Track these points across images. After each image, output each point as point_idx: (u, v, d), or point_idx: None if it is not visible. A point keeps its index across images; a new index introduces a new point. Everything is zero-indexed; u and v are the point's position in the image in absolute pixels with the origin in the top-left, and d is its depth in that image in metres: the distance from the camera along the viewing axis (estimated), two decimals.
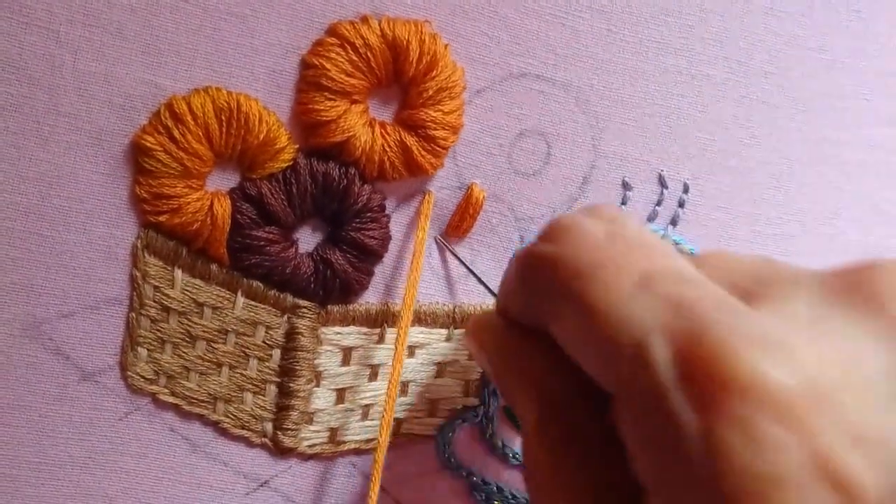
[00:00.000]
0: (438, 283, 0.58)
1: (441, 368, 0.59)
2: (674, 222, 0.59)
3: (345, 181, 0.54)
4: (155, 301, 0.55)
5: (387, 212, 0.56)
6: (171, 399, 0.56)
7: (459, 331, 0.59)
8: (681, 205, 0.59)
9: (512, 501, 0.61)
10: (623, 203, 0.59)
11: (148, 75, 0.52)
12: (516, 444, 0.61)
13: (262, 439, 0.58)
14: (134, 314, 0.55)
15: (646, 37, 0.56)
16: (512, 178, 0.57)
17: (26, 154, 0.52)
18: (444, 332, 0.59)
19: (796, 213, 0.61)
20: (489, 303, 0.59)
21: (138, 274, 0.54)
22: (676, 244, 0.59)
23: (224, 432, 0.57)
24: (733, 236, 0.60)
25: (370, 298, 0.58)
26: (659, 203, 0.59)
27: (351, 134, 0.53)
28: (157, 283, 0.55)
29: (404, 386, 0.59)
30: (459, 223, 0.57)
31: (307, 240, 0.56)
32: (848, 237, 0.62)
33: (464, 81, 0.55)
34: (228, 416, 0.57)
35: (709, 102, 0.58)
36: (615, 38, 0.56)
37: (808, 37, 0.58)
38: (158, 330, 0.55)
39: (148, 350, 0.56)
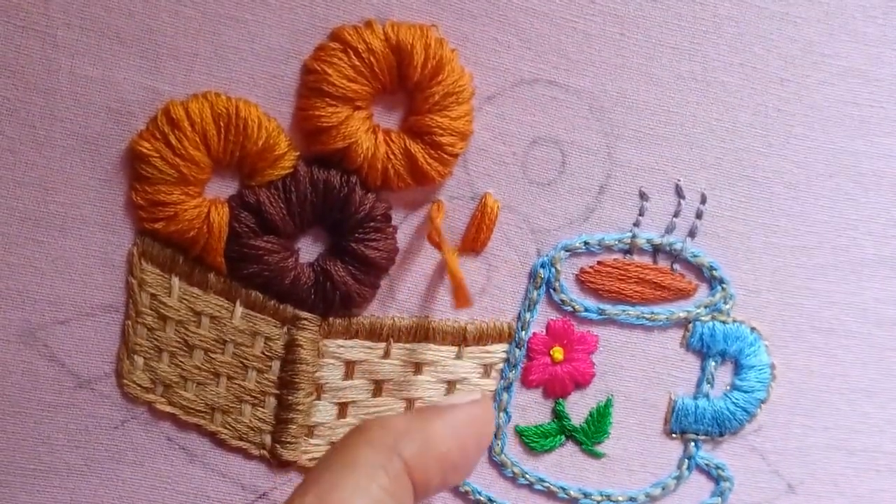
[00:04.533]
0: (449, 298, 0.57)
1: (450, 386, 0.58)
2: (692, 234, 0.58)
3: (346, 189, 0.53)
4: (151, 309, 0.54)
5: (393, 223, 0.55)
6: (167, 408, 0.56)
7: (470, 348, 0.58)
8: (698, 216, 0.58)
9: None
10: (640, 214, 0.57)
11: (146, 80, 0.51)
12: (526, 465, 0.60)
13: (261, 451, 0.57)
14: (130, 322, 0.54)
15: (659, 42, 0.55)
16: (526, 187, 0.56)
17: (22, 159, 0.51)
18: (454, 349, 0.57)
19: (812, 225, 0.59)
20: (500, 321, 0.58)
21: (134, 281, 0.53)
22: (695, 257, 0.58)
23: (222, 443, 0.57)
24: (750, 248, 0.59)
25: (376, 311, 0.56)
26: (676, 214, 0.57)
27: (352, 140, 0.51)
28: (153, 291, 0.54)
29: (410, 403, 0.58)
30: (476, 235, 0.55)
31: (310, 250, 0.55)
32: (864, 251, 0.60)
33: (472, 87, 0.53)
34: (226, 427, 0.56)
35: (724, 110, 0.56)
36: (628, 42, 0.54)
37: (823, 43, 0.56)
38: (155, 338, 0.55)
39: (144, 358, 0.55)
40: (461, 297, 0.52)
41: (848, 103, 0.57)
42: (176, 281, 0.54)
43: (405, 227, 0.55)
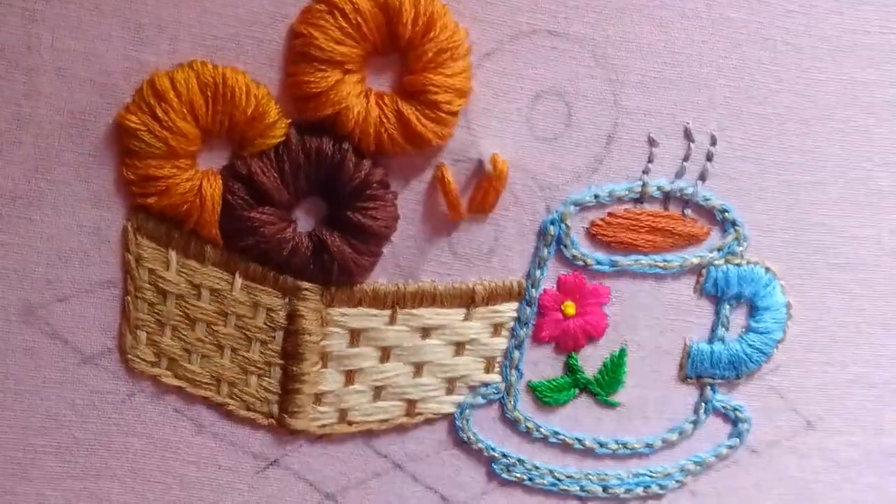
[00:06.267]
0: (457, 262, 0.56)
1: (459, 348, 0.57)
2: (702, 177, 0.56)
3: (338, 156, 0.51)
4: (151, 284, 0.53)
5: (393, 189, 0.53)
6: (173, 381, 0.55)
7: (479, 309, 0.57)
8: (709, 158, 0.56)
9: (534, 472, 0.60)
10: (650, 160, 0.56)
11: (130, 51, 0.49)
12: (539, 419, 0.60)
13: (269, 421, 0.56)
14: (130, 298, 0.53)
15: None
16: (532, 143, 0.54)
17: (8, 138, 0.50)
18: (462, 311, 0.56)
19: (826, 158, 0.57)
20: (510, 280, 0.57)
21: (131, 257, 0.53)
22: (707, 200, 0.57)
23: (230, 414, 0.56)
24: (763, 188, 0.57)
25: (380, 278, 0.55)
26: (686, 158, 0.56)
27: (343, 105, 0.50)
28: (151, 266, 0.53)
29: (419, 367, 0.57)
30: (485, 198, 0.54)
31: (310, 219, 0.54)
32: (879, 182, 0.59)
33: (468, 42, 0.51)
34: (233, 398, 0.56)
35: (731, 47, 0.54)
36: None
37: None
38: (156, 313, 0.54)
39: (147, 333, 0.54)
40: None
41: (858, 32, 0.56)
42: (173, 255, 0.53)
43: (408, 192, 0.54)
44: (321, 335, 0.55)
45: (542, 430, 0.60)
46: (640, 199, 0.56)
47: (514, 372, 0.58)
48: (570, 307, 0.57)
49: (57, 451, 0.56)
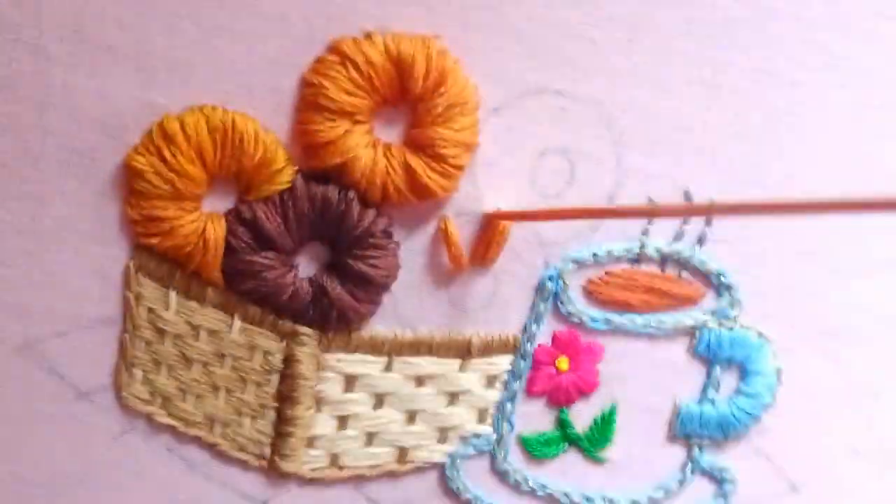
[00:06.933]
0: (455, 313, 0.56)
1: (453, 397, 0.58)
2: (700, 241, 0.57)
3: (343, 205, 0.51)
4: (149, 323, 0.53)
5: (397, 238, 0.54)
6: (167, 420, 0.55)
7: (475, 360, 0.57)
8: (708, 223, 0.57)
9: None
10: (649, 222, 0.56)
11: (141, 93, 0.49)
12: (529, 471, 0.60)
13: (261, 462, 0.56)
14: (128, 336, 0.53)
15: (668, 47, 0.53)
16: (535, 200, 0.55)
17: (16, 173, 0.50)
18: (457, 361, 0.57)
19: (821, 228, 0.58)
20: (506, 333, 0.57)
21: (131, 296, 0.53)
22: (703, 263, 0.57)
23: (222, 454, 0.56)
24: (759, 253, 0.58)
25: (378, 325, 0.55)
26: (686, 221, 0.56)
27: (351, 155, 0.50)
28: (151, 305, 0.53)
29: (412, 415, 0.57)
30: (485, 252, 0.54)
31: (311, 264, 0.54)
32: (871, 252, 0.59)
33: (477, 97, 0.52)
34: (226, 439, 0.56)
35: (735, 115, 0.55)
36: (636, 48, 0.53)
37: (836, 44, 0.55)
38: (153, 352, 0.54)
39: (143, 371, 0.54)
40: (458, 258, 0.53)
41: (861, 105, 0.56)
42: (173, 295, 0.53)
43: (410, 242, 0.54)
44: (316, 379, 0.55)
45: (531, 482, 0.60)
46: (637, 260, 0.57)
47: (505, 424, 0.58)
48: (563, 362, 0.57)
49: (47, 484, 0.55)
